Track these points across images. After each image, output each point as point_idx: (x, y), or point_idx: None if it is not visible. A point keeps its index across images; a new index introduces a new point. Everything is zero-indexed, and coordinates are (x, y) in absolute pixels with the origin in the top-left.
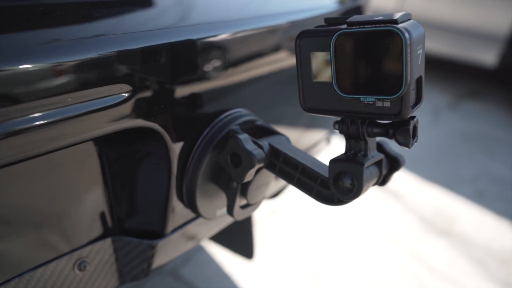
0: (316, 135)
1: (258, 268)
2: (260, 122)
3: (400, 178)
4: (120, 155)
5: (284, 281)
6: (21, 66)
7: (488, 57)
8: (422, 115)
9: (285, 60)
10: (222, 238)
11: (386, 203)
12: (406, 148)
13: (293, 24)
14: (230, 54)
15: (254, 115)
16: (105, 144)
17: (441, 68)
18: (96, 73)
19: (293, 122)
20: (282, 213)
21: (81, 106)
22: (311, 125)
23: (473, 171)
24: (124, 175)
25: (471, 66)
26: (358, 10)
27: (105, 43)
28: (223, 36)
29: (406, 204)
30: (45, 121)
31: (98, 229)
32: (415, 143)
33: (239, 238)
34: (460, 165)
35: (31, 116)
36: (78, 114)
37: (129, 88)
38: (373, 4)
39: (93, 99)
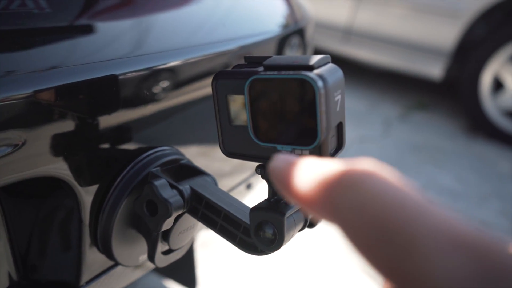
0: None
1: (248, 271)
2: (185, 160)
3: None
4: (23, 207)
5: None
6: None
7: (435, 70)
8: (373, 126)
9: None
10: (165, 268)
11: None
12: None
13: (231, 52)
14: (155, 86)
15: (179, 154)
16: (5, 195)
17: (391, 80)
18: None
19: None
20: (214, 245)
21: None
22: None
23: (421, 182)
24: (30, 229)
25: (420, 79)
26: (301, 32)
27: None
28: (144, 68)
29: None
30: None
31: (4, 283)
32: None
33: (181, 268)
34: (409, 175)
35: None
36: None
37: (22, 134)
38: (325, 18)
39: None
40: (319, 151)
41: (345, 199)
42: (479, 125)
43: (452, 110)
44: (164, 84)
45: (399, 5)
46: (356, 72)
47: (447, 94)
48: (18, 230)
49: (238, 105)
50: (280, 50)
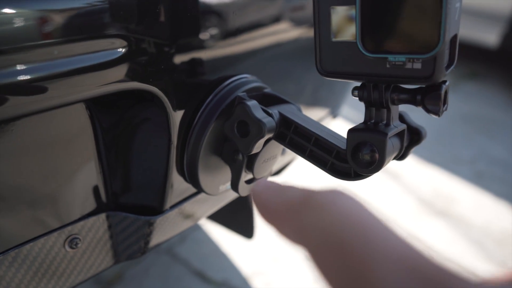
0: (324, 107)
1: (255, 248)
2: (268, 89)
3: None
4: (115, 122)
5: (282, 261)
6: None
7: (491, 37)
8: None
9: (297, 27)
10: (221, 217)
11: (385, 183)
12: (436, 117)
13: None
14: (238, 18)
15: (261, 82)
16: (98, 109)
17: None
18: (87, 22)
19: (304, 92)
20: None
21: (68, 62)
22: (319, 95)
23: (472, 153)
24: (119, 145)
25: (473, 47)
26: None
27: None
28: None
29: (405, 185)
30: (27, 77)
31: (91, 204)
32: (445, 111)
33: (239, 218)
34: (459, 147)
35: (10, 71)
36: (66, 70)
37: (124, 43)
38: None
39: (83, 54)
40: (434, 63)
41: (309, 222)
42: None
43: (506, 80)
44: (248, 17)
45: None
46: None
47: (501, 63)
48: (108, 149)
49: (342, 18)
50: None
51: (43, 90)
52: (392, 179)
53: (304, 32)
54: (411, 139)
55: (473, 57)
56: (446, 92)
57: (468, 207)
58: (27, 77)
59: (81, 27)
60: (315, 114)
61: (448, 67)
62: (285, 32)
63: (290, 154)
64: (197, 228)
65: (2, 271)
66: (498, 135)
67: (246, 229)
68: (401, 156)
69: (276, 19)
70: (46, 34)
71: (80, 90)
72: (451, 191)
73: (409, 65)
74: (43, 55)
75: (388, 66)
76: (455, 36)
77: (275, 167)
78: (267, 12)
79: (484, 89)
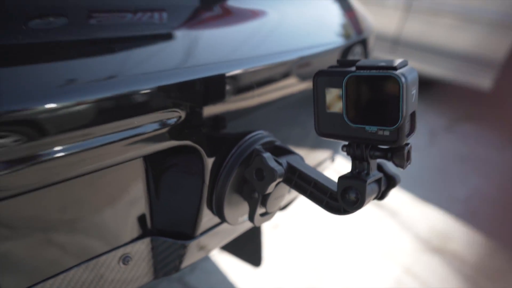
0: (323, 154)
1: (261, 277)
2: (278, 142)
3: (397, 197)
4: (162, 168)
5: None
6: (106, 96)
7: (484, 81)
8: (419, 137)
9: (298, 90)
10: (232, 247)
11: (383, 220)
12: (401, 169)
13: (307, 58)
14: (251, 85)
15: (272, 137)
16: (151, 158)
17: (438, 91)
18: (150, 101)
19: (304, 143)
20: (284, 227)
21: (139, 129)
22: (318, 145)
23: (466, 191)
24: (164, 185)
25: (466, 90)
26: (363, 42)
27: (158, 78)
28: (245, 70)
29: (402, 222)
30: (112, 140)
31: (140, 230)
32: (409, 165)
33: (248, 247)
34: (454, 185)
35: (104, 135)
36: (136, 134)
37: (174, 114)
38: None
39: (147, 123)
40: (397, 132)
41: None
42: None
43: (500, 122)
44: (259, 84)
45: (448, 16)
46: None
47: (495, 106)
48: (156, 188)
49: (333, 96)
50: (345, 58)
51: (125, 149)
52: (390, 217)
53: (306, 97)
54: (388, 184)
55: (468, 100)
56: (408, 152)
57: (462, 244)
58: (117, 138)
59: (151, 106)
60: (319, 156)
61: (409, 134)
62: (291, 96)
63: (295, 192)
64: (206, 259)
65: (77, 276)
66: (491, 175)
67: (254, 258)
68: (380, 197)
69: (283, 88)
70: (127, 112)
71: (141, 149)
72: (446, 228)
73: (380, 133)
74: (123, 126)
75: (365, 132)
76: (413, 113)
77: (283, 203)
78: (272, 79)
79: (479, 131)
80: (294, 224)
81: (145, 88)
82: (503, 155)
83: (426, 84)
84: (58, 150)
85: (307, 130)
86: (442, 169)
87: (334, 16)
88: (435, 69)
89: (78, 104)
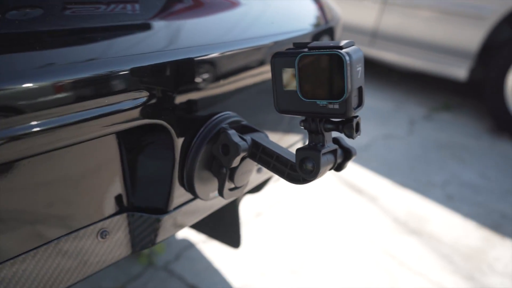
0: (294, 137)
1: (244, 263)
2: (244, 122)
3: (376, 183)
4: (135, 146)
5: (269, 275)
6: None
7: (460, 71)
8: (399, 126)
9: (264, 73)
10: (211, 229)
11: (363, 206)
12: (351, 139)
13: (276, 44)
14: (221, 69)
15: (239, 117)
16: (124, 136)
17: (416, 82)
18: (123, 81)
19: (275, 126)
20: (267, 215)
21: (112, 107)
22: (290, 129)
23: (444, 177)
24: (137, 162)
25: (444, 80)
26: (330, 30)
27: (129, 61)
28: (215, 55)
29: (381, 207)
30: (90, 116)
31: (116, 206)
32: (359, 136)
33: (227, 229)
34: (431, 172)
35: (79, 112)
36: (110, 111)
37: (146, 94)
38: (352, 22)
39: (121, 102)
40: (345, 105)
41: None
42: (504, 125)
43: (477, 111)
44: (228, 69)
45: (425, 8)
46: (382, 73)
47: (472, 95)
48: (129, 165)
49: (289, 75)
50: None
51: (99, 126)
52: (370, 202)
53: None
54: (345, 156)
55: (446, 90)
56: (357, 123)
57: (438, 226)
58: (91, 115)
59: (123, 86)
60: (291, 139)
61: (357, 107)
62: (256, 77)
63: (266, 173)
64: (190, 246)
65: (55, 252)
66: (469, 161)
67: (233, 239)
68: (338, 168)
69: (249, 69)
70: (99, 91)
71: (115, 125)
72: (423, 212)
73: (330, 106)
74: (99, 103)
75: (318, 106)
76: (360, 88)
77: (255, 183)
78: (242, 64)
79: (456, 120)
80: (276, 212)
81: (118, 70)
82: (479, 143)
83: (405, 75)
84: (37, 125)
85: (276, 114)
86: (421, 156)
87: (300, 5)
88: (413, 61)
89: (56, 83)
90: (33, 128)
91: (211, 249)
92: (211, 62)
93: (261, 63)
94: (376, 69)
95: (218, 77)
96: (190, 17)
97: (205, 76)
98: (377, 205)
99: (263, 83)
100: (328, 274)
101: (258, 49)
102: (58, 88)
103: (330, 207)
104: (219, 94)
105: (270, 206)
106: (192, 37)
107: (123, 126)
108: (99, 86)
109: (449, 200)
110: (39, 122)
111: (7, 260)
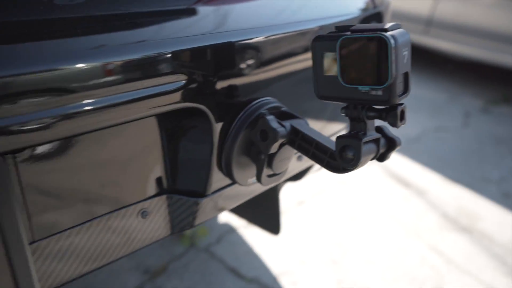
0: (338, 126)
1: (284, 250)
2: (284, 108)
3: (426, 176)
4: (176, 131)
5: (309, 263)
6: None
7: None
8: (453, 118)
9: (309, 59)
10: (251, 215)
11: (410, 199)
12: (396, 129)
13: (321, 28)
14: (264, 54)
15: (279, 103)
16: (165, 121)
17: (473, 72)
18: (165, 64)
19: (311, 110)
20: (309, 203)
21: (155, 89)
22: (333, 118)
23: (500, 173)
24: (177, 146)
25: (503, 71)
26: (378, 15)
27: (172, 44)
28: (258, 40)
29: (429, 202)
30: (134, 97)
31: (156, 188)
32: (403, 125)
33: (267, 215)
34: (487, 167)
35: (122, 93)
36: (153, 93)
37: (185, 77)
38: (405, 10)
39: (162, 84)
40: (389, 91)
41: None
42: None
43: None
44: (271, 53)
45: None
46: (436, 63)
47: None
48: (169, 148)
49: (330, 60)
50: None
51: (140, 106)
52: (417, 196)
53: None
54: (389, 146)
55: (505, 81)
56: (402, 111)
57: (492, 225)
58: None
59: (161, 68)
60: (333, 127)
61: (402, 94)
62: (299, 63)
63: (307, 161)
64: (232, 230)
65: (101, 227)
66: None
67: (273, 226)
68: (380, 158)
69: (292, 54)
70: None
71: (156, 108)
72: (475, 209)
73: (373, 92)
74: (142, 85)
75: (360, 93)
76: (406, 73)
77: (295, 171)
78: (286, 49)
79: None
80: (319, 201)
81: (161, 53)
82: None
83: (461, 66)
84: (88, 103)
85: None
86: (476, 150)
87: None
88: (471, 50)
89: (105, 64)
90: (84, 107)
91: (252, 234)
92: (253, 47)
93: (305, 49)
94: (431, 59)
95: (259, 62)
96: (235, 1)
97: (247, 60)
98: (425, 199)
99: (306, 69)
100: (370, 267)
101: (302, 33)
102: (107, 70)
103: (375, 199)
104: (259, 79)
105: (313, 195)
106: (236, 20)
107: (164, 108)
108: (143, 68)
109: (505, 198)
110: (89, 101)
111: (61, 231)
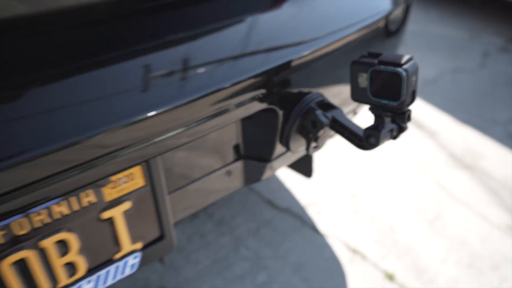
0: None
1: (310, 186)
2: (326, 100)
3: (438, 118)
4: (251, 120)
5: (331, 196)
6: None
7: None
8: (470, 57)
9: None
10: (291, 164)
11: (422, 140)
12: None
13: (363, 28)
14: (316, 61)
15: (323, 97)
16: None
17: (496, 9)
18: (258, 83)
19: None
20: (330, 145)
21: (249, 100)
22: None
23: (508, 115)
24: (252, 128)
25: None
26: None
27: (260, 68)
28: (317, 51)
29: (439, 142)
30: (235, 107)
31: (236, 156)
32: (409, 122)
33: (303, 163)
34: (497, 109)
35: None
36: (246, 102)
37: (266, 90)
38: None
39: (254, 96)
40: (401, 104)
41: None
42: None
43: None
44: (317, 67)
45: None
46: None
47: None
48: (245, 130)
49: (363, 78)
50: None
51: (237, 113)
52: (429, 137)
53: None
54: (399, 130)
55: None
56: (409, 115)
57: (493, 162)
58: (235, 107)
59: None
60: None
61: (409, 103)
62: (338, 69)
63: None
64: None
65: (206, 181)
66: None
67: (307, 170)
68: (394, 138)
69: (334, 66)
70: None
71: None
72: (480, 148)
73: (390, 104)
74: (242, 98)
75: (381, 103)
76: (413, 91)
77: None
78: (328, 64)
79: None
80: (339, 143)
81: (250, 77)
82: None
83: (483, 2)
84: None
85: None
86: (489, 92)
87: None
88: None
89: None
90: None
91: (282, 172)
92: (312, 59)
93: (342, 54)
94: None
95: (312, 67)
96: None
97: (304, 69)
98: (435, 140)
99: (344, 69)
100: (382, 200)
101: (343, 40)
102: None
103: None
104: (310, 80)
105: (331, 142)
106: (303, 35)
107: (254, 110)
108: (250, 87)
109: (509, 138)
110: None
111: (185, 186)
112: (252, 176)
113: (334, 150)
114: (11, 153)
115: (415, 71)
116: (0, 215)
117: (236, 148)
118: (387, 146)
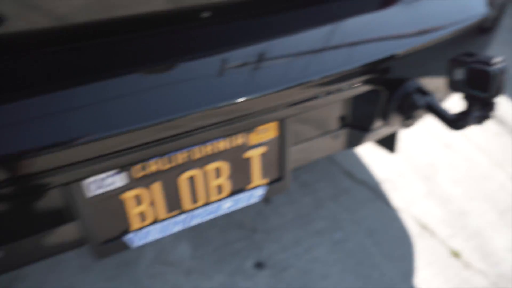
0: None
1: (387, 164)
2: (422, 87)
3: None
4: (359, 96)
5: (406, 176)
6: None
7: None
8: None
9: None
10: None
11: (501, 135)
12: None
13: (468, 26)
14: (414, 58)
15: (419, 84)
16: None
17: None
18: (368, 69)
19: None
20: (411, 130)
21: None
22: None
23: None
24: (360, 104)
25: None
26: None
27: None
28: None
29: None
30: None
31: (342, 124)
32: (493, 112)
33: (388, 138)
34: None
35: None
36: (361, 83)
37: (374, 76)
38: None
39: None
40: (488, 96)
41: None
42: None
43: None
44: (414, 62)
45: None
46: None
47: None
48: (354, 105)
49: (460, 73)
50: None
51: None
52: (509, 134)
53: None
54: (484, 117)
55: None
56: (494, 106)
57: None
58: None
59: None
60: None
61: (495, 96)
62: (434, 62)
63: None
64: None
65: (317, 142)
66: None
67: (391, 146)
68: (479, 123)
69: (431, 59)
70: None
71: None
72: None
73: (480, 95)
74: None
75: (474, 92)
76: (500, 87)
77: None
78: (426, 57)
79: None
80: (419, 129)
81: (364, 64)
82: None
83: None
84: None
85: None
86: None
87: None
88: None
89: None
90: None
91: (363, 148)
92: (414, 52)
93: (443, 49)
94: None
95: (413, 59)
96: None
97: (407, 59)
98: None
99: (439, 62)
100: (455, 185)
101: (445, 36)
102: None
103: (469, 132)
104: (411, 70)
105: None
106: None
107: (364, 89)
108: (363, 72)
109: None
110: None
111: (305, 141)
112: (353, 141)
113: (412, 136)
114: (206, 104)
115: (503, 71)
116: (186, 145)
117: (344, 118)
118: (466, 137)
